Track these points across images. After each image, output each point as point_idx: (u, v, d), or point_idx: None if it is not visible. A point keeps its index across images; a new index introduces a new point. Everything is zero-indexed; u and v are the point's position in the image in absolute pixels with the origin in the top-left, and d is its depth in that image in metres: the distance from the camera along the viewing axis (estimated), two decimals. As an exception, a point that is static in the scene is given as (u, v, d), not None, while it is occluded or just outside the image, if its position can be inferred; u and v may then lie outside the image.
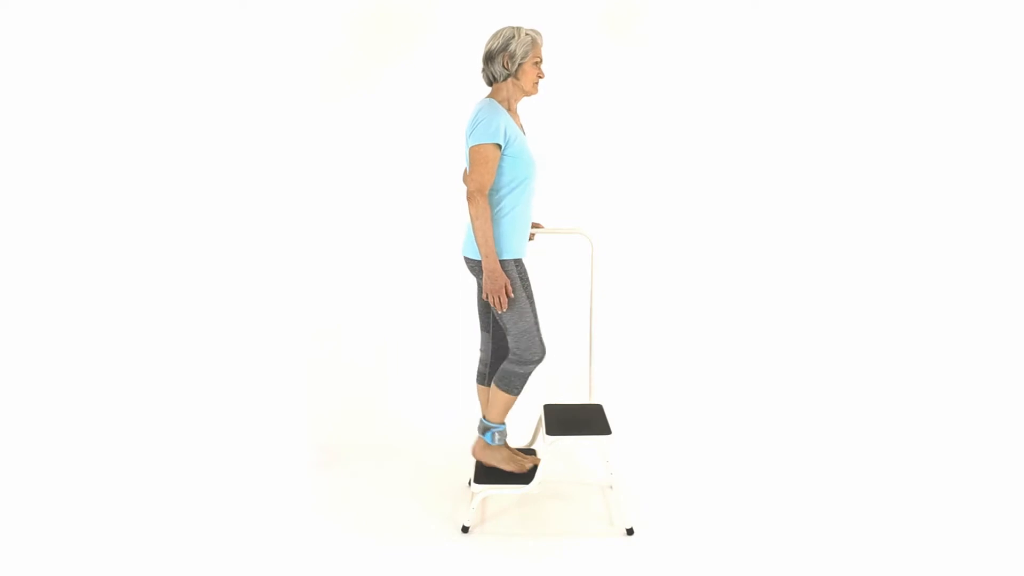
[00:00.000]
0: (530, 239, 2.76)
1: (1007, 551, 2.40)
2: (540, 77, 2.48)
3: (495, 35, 2.44)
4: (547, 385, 3.39)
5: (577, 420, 2.61)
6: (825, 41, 3.41)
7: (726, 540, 2.46)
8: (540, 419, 2.80)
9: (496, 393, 2.55)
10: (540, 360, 2.51)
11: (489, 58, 2.44)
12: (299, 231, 3.52)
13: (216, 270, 3.43)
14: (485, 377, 2.69)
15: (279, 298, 3.51)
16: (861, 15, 3.38)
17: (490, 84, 2.49)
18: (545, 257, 3.54)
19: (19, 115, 3.22)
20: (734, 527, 2.54)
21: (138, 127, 3.33)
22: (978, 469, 2.95)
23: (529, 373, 2.52)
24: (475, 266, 2.48)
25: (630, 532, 2.49)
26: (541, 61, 2.48)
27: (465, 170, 2.55)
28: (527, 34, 2.43)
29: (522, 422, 3.22)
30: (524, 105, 2.96)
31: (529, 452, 2.84)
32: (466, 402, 3.17)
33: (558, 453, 3.06)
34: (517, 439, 3.09)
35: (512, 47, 2.40)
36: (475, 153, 2.35)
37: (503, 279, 2.36)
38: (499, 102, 2.44)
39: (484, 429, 2.60)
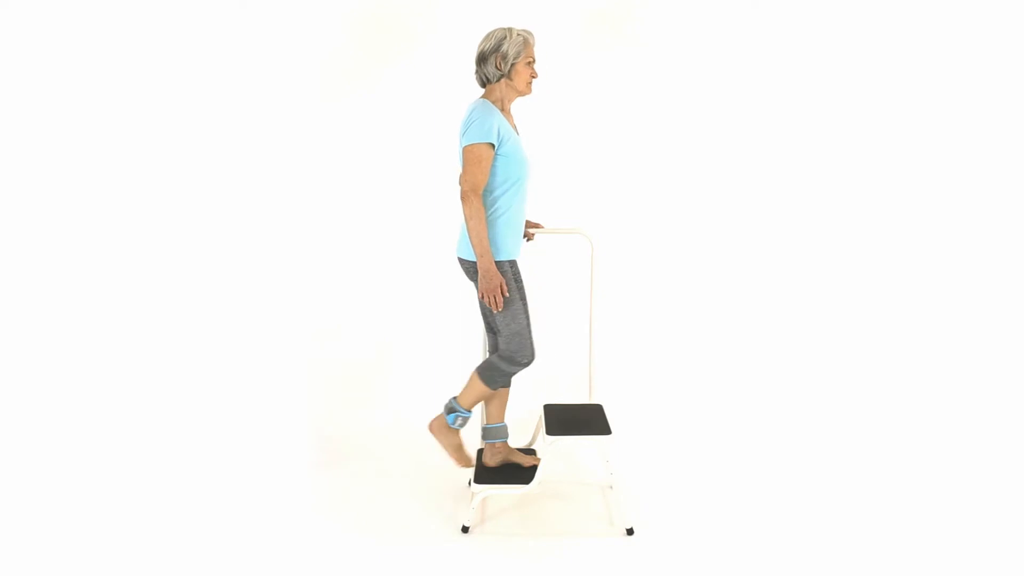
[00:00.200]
0: (530, 239, 2.77)
1: (1007, 551, 2.40)
2: (533, 77, 2.49)
3: (487, 36, 2.44)
4: (547, 385, 3.39)
5: (577, 420, 2.61)
6: (824, 40, 3.41)
7: (726, 540, 2.46)
8: (540, 419, 2.80)
9: (475, 381, 2.53)
10: (529, 363, 2.50)
11: (482, 59, 2.45)
12: (299, 231, 3.52)
13: (216, 270, 3.43)
14: None
15: (279, 298, 3.51)
16: (860, 15, 3.38)
17: (483, 85, 2.49)
18: (545, 257, 3.54)
19: (19, 115, 3.22)
20: (734, 527, 2.54)
21: (138, 127, 3.33)
22: (978, 469, 2.95)
23: (514, 373, 2.51)
24: (470, 267, 2.48)
25: (630, 532, 2.49)
26: (534, 61, 2.48)
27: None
28: (519, 34, 2.43)
29: (522, 422, 3.22)
30: (523, 105, 2.96)
31: (529, 452, 2.84)
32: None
33: (558, 453, 3.06)
34: (517, 439, 3.09)
35: (504, 48, 2.41)
36: (469, 153, 2.35)
37: (498, 279, 2.35)
38: (493, 103, 2.44)
39: (450, 410, 2.57)
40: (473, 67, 2.55)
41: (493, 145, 2.35)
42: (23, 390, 3.22)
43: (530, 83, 2.49)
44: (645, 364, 3.53)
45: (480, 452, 2.77)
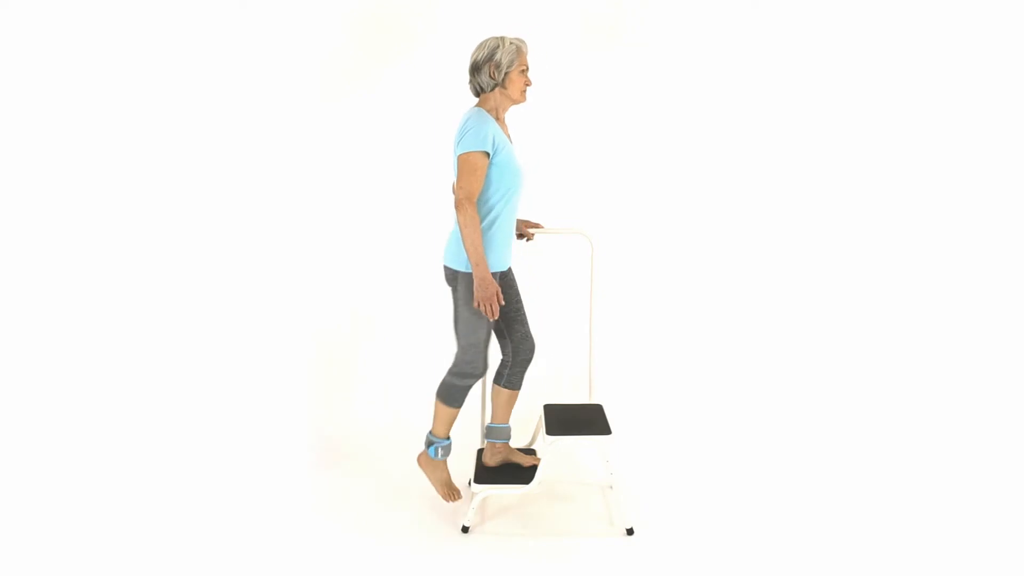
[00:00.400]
0: (530, 239, 2.77)
1: (1007, 551, 2.40)
2: (528, 85, 2.48)
3: (480, 46, 2.44)
4: (547, 385, 3.39)
5: (577, 420, 2.61)
6: (824, 40, 3.41)
7: (726, 540, 2.46)
8: (540, 419, 2.80)
9: (438, 406, 2.57)
10: (480, 376, 2.53)
11: (475, 69, 2.44)
12: (299, 231, 3.52)
13: (216, 270, 3.43)
14: (502, 377, 2.65)
15: (279, 298, 3.51)
16: (860, 15, 3.38)
17: (477, 95, 2.49)
18: (545, 257, 3.55)
19: (19, 115, 3.22)
20: (734, 527, 2.54)
21: (138, 127, 3.33)
22: (978, 469, 2.95)
23: (469, 387, 2.54)
24: (453, 276, 2.47)
25: (630, 532, 2.49)
26: (527, 69, 2.47)
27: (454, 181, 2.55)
28: (512, 43, 2.43)
29: (522, 422, 3.23)
30: (523, 106, 2.98)
31: (529, 452, 2.84)
32: (466, 402, 3.16)
33: (558, 453, 3.06)
34: (517, 439, 3.09)
35: (498, 57, 2.40)
36: (463, 161, 2.35)
37: (494, 287, 2.35)
38: (487, 111, 2.44)
39: (429, 443, 2.60)
40: (467, 76, 2.54)
41: (488, 154, 2.36)
42: (24, 390, 3.22)
43: (524, 91, 2.48)
44: (645, 364, 3.53)
45: (480, 452, 2.77)
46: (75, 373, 3.27)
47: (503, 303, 2.40)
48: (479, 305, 2.36)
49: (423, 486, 2.82)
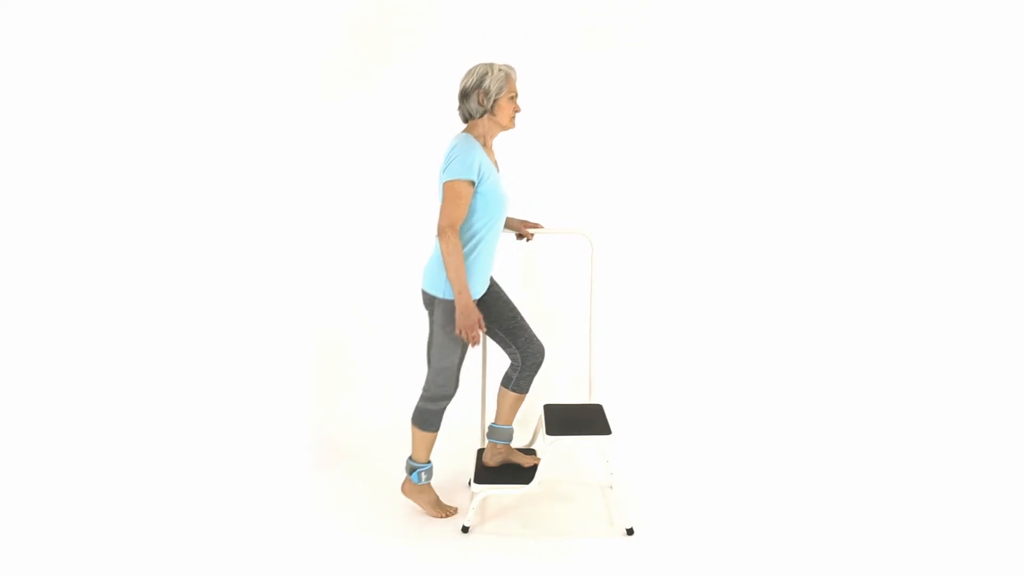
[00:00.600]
0: (529, 239, 2.77)
1: (1007, 551, 2.40)
2: (516, 111, 2.48)
3: (469, 72, 2.44)
4: (547, 385, 3.39)
5: (577, 420, 2.61)
6: (824, 40, 3.41)
7: (726, 540, 2.46)
8: (540, 419, 2.80)
9: (414, 432, 2.58)
10: (452, 396, 2.55)
11: (464, 96, 2.44)
12: (299, 231, 3.52)
13: (216, 270, 3.43)
14: (511, 381, 2.64)
15: (279, 298, 3.51)
16: (860, 15, 3.38)
17: (466, 121, 2.49)
18: (545, 257, 3.55)
19: (19, 115, 3.22)
20: (734, 527, 2.54)
21: (138, 127, 3.33)
22: (978, 469, 2.95)
23: (443, 409, 2.55)
24: (431, 300, 2.48)
25: (630, 532, 2.49)
26: (517, 95, 2.47)
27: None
28: (500, 69, 2.42)
29: (522, 422, 3.23)
30: (523, 107, 2.97)
31: (529, 452, 2.84)
32: (466, 402, 3.17)
33: (558, 453, 3.06)
34: (517, 439, 3.09)
35: (487, 84, 2.40)
36: (448, 189, 2.35)
37: (477, 315, 2.36)
38: (475, 138, 2.44)
39: (411, 469, 2.61)
40: (456, 103, 2.53)
41: (473, 182, 2.35)
42: (24, 390, 3.22)
43: (513, 118, 2.48)
44: (645, 364, 3.53)
45: (480, 452, 2.77)
46: (75, 373, 3.27)
47: (484, 329, 2.41)
48: (460, 332, 2.37)
49: (437, 481, 2.81)
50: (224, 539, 2.47)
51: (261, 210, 3.47)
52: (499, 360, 3.13)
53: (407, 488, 2.64)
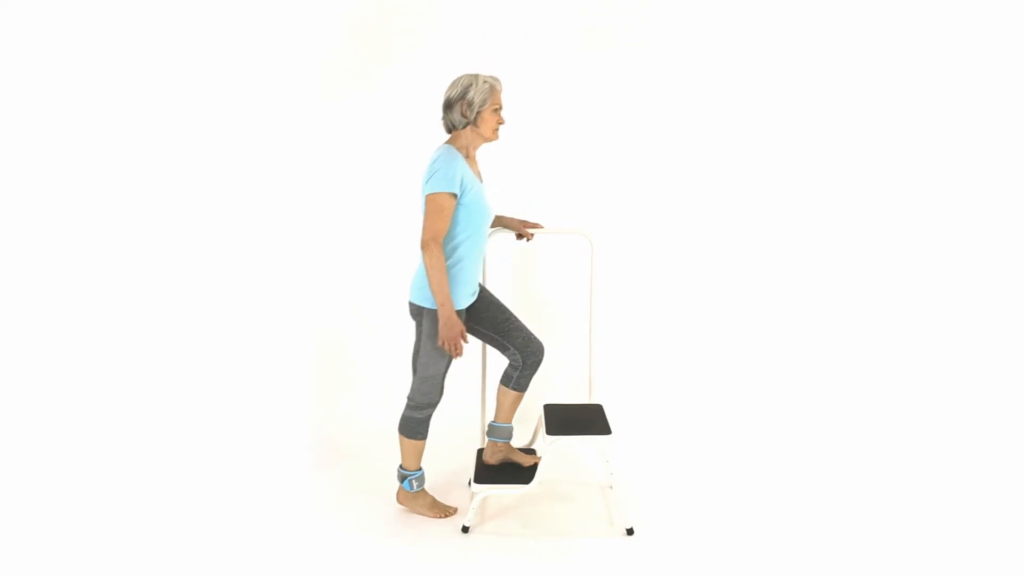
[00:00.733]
0: (529, 239, 2.77)
1: (1007, 551, 2.40)
2: (500, 124, 2.48)
3: (453, 83, 2.44)
4: (547, 385, 3.39)
5: (577, 420, 2.61)
6: (824, 40, 3.41)
7: (726, 540, 2.46)
8: (540, 419, 2.80)
9: (402, 441, 2.58)
10: (437, 404, 2.56)
11: (448, 106, 2.45)
12: (299, 231, 3.52)
13: (216, 270, 3.43)
14: (511, 379, 2.65)
15: (279, 298, 3.51)
16: (860, 15, 3.38)
17: (449, 131, 2.49)
18: (545, 257, 3.54)
19: (19, 115, 3.22)
20: (734, 527, 2.54)
21: (138, 127, 3.33)
22: (978, 469, 2.95)
23: (428, 417, 2.56)
24: (418, 311, 2.48)
25: (630, 532, 2.49)
26: (501, 108, 2.47)
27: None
28: (485, 81, 2.42)
29: (522, 422, 3.23)
30: (523, 107, 2.97)
31: (529, 452, 2.84)
32: (466, 402, 3.17)
33: (558, 453, 3.06)
34: (517, 439, 3.09)
35: (470, 95, 2.40)
36: (430, 202, 2.35)
37: (459, 327, 2.36)
38: (458, 149, 2.44)
39: (402, 478, 2.62)
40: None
41: (456, 195, 2.35)
42: (24, 390, 3.22)
43: (497, 130, 2.48)
44: (645, 364, 3.53)
45: (480, 451, 2.77)
46: (75, 373, 3.27)
47: (468, 342, 2.41)
48: (444, 344, 2.37)
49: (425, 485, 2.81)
50: (224, 539, 2.47)
51: (261, 210, 3.47)
52: (499, 359, 3.13)
53: (402, 497, 2.65)
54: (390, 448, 3.13)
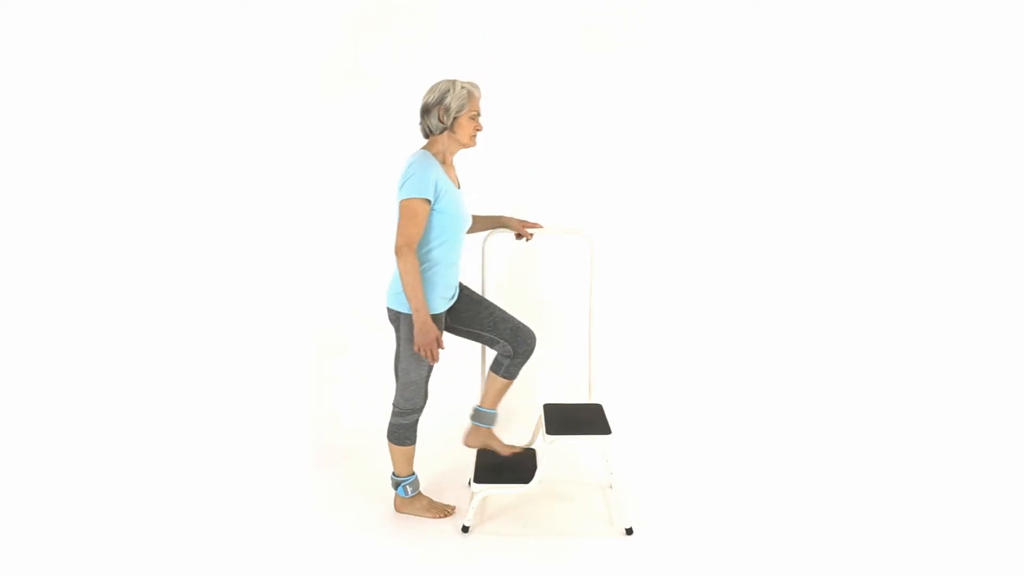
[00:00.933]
0: (528, 239, 2.76)
1: (1007, 551, 2.40)
2: (478, 130, 2.48)
3: (431, 88, 2.45)
4: (547, 385, 3.39)
5: (577, 420, 2.61)
6: (824, 40, 3.41)
7: (726, 540, 2.46)
8: (540, 419, 2.80)
9: (391, 448, 2.59)
10: (422, 408, 2.56)
11: (425, 111, 2.45)
12: (299, 231, 3.52)
13: (216, 270, 3.43)
14: (501, 367, 2.64)
15: (279, 298, 3.51)
16: (860, 14, 3.38)
17: (427, 136, 2.49)
18: (545, 257, 3.54)
19: (19, 115, 3.22)
20: (734, 527, 2.54)
21: (138, 127, 3.33)
22: (978, 469, 2.95)
23: (415, 422, 2.56)
24: (396, 317, 2.48)
25: (630, 532, 2.49)
26: (479, 115, 2.47)
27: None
28: (463, 87, 2.43)
29: (522, 422, 3.23)
30: (522, 106, 2.97)
31: (529, 452, 2.84)
32: (465, 402, 3.16)
33: (558, 453, 3.05)
34: (517, 439, 3.09)
35: (447, 100, 2.41)
36: (405, 207, 2.35)
37: (434, 332, 2.37)
38: (434, 155, 2.45)
39: (396, 484, 2.62)
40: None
41: (429, 200, 2.35)
42: (24, 391, 3.22)
43: (474, 136, 2.48)
44: (645, 364, 3.53)
45: (480, 451, 2.77)
46: (75, 373, 3.27)
47: (443, 347, 2.42)
48: (419, 350, 2.38)
49: (422, 486, 2.81)
50: (224, 539, 2.47)
51: (261, 210, 3.47)
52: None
53: (399, 504, 2.65)
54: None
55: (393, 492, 2.68)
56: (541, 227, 2.78)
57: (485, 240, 2.79)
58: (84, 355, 3.30)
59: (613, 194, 3.53)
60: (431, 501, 2.65)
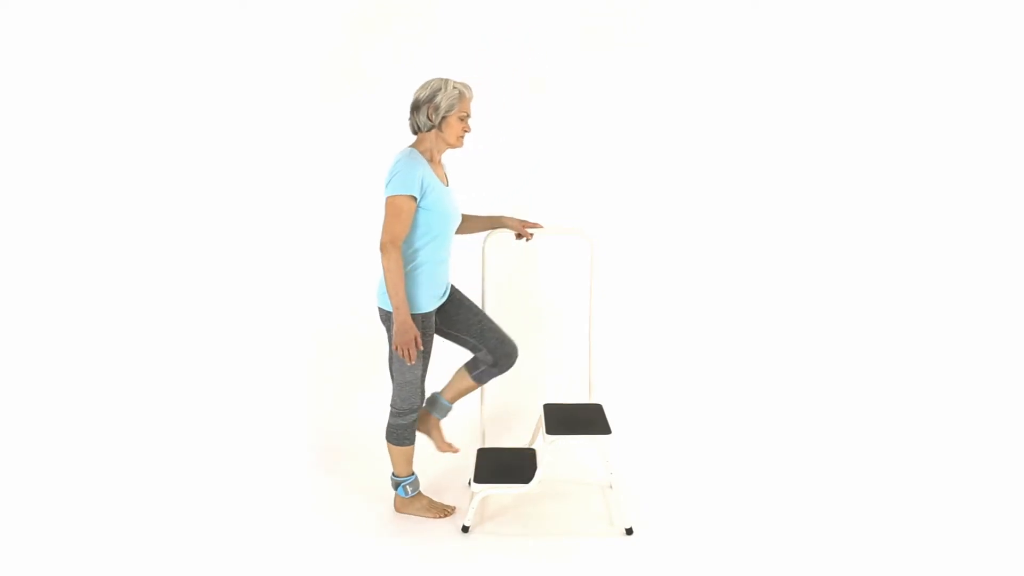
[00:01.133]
0: (528, 239, 2.76)
1: (1007, 551, 2.40)
2: (466, 131, 2.47)
3: (423, 85, 2.45)
4: (547, 385, 3.39)
5: (577, 420, 2.61)
6: (824, 40, 3.41)
7: (726, 540, 2.46)
8: (540, 419, 2.80)
9: (390, 449, 2.59)
10: (419, 408, 2.56)
11: (415, 107, 2.44)
12: (299, 231, 3.52)
13: (216, 270, 3.43)
14: (476, 369, 2.67)
15: (279, 298, 3.51)
16: (860, 14, 3.38)
17: (415, 133, 2.49)
18: (544, 257, 3.54)
19: (18, 115, 3.23)
20: (734, 527, 2.54)
21: (138, 127, 3.34)
22: (978, 469, 2.95)
23: (413, 422, 2.56)
24: (385, 316, 2.48)
25: (629, 532, 2.49)
26: (468, 116, 2.46)
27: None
28: (455, 87, 2.42)
29: (522, 422, 3.23)
30: (521, 106, 2.97)
31: (528, 452, 2.84)
32: (465, 402, 3.16)
33: (558, 453, 3.05)
34: (517, 439, 3.10)
35: (438, 99, 2.40)
36: (390, 204, 2.35)
37: (413, 332, 2.36)
38: (421, 152, 2.44)
39: (396, 484, 2.62)
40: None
41: (415, 197, 2.35)
42: (24, 391, 3.22)
43: (461, 137, 2.47)
44: (645, 364, 3.53)
45: (480, 451, 2.78)
46: (75, 373, 3.27)
47: (422, 348, 2.41)
48: (398, 349, 2.37)
49: (422, 486, 2.81)
50: (224, 539, 2.47)
51: (261, 210, 3.47)
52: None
53: (399, 504, 2.65)
54: (390, 448, 3.14)
55: (393, 492, 2.68)
56: (541, 227, 2.78)
57: (485, 240, 2.79)
58: (83, 355, 3.30)
59: (613, 194, 3.53)
60: (431, 501, 2.65)
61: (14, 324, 3.25)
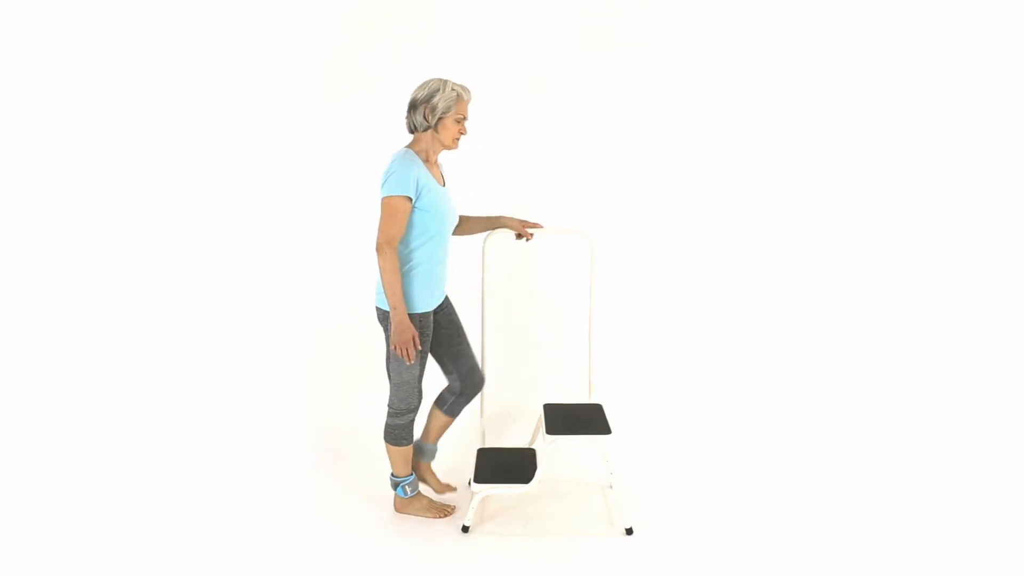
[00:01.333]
0: (528, 239, 2.76)
1: (1007, 551, 2.40)
2: (462, 133, 2.47)
3: (422, 85, 2.44)
4: (547, 385, 3.39)
5: (577, 420, 2.61)
6: (824, 40, 3.41)
7: (726, 540, 2.46)
8: (540, 419, 2.80)
9: (389, 449, 2.58)
10: (417, 408, 2.55)
11: (412, 107, 2.44)
12: (299, 231, 3.52)
13: (216, 270, 3.43)
14: (445, 403, 2.69)
15: (279, 298, 3.51)
16: (860, 14, 3.38)
17: (411, 132, 2.48)
18: (544, 257, 3.54)
19: (18, 115, 3.23)
20: (734, 527, 2.54)
21: (138, 127, 3.34)
22: (978, 469, 2.95)
23: (411, 422, 2.55)
24: (383, 316, 2.48)
25: (629, 532, 2.49)
26: (465, 118, 2.46)
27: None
28: (453, 89, 2.41)
29: (522, 422, 3.23)
30: (521, 106, 2.96)
31: (528, 452, 2.84)
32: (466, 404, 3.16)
33: (558, 453, 3.05)
34: (517, 439, 3.10)
35: (435, 100, 2.39)
36: (385, 205, 2.35)
37: (411, 331, 2.36)
38: (417, 152, 2.44)
39: (395, 485, 2.62)
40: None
41: (410, 198, 2.35)
42: (24, 390, 3.22)
43: (457, 139, 2.47)
44: (645, 364, 3.53)
45: (480, 451, 2.78)
46: (75, 373, 3.27)
47: (419, 347, 2.41)
48: (395, 348, 2.37)
49: (422, 486, 2.81)
50: (224, 539, 2.47)
51: (262, 210, 3.47)
52: (497, 350, 3.13)
53: (398, 504, 2.65)
54: (390, 448, 3.14)
55: (393, 492, 2.68)
56: (541, 227, 2.78)
57: (485, 240, 2.79)
58: (83, 355, 3.30)
59: (613, 194, 3.53)
60: (431, 501, 2.65)
61: (15, 324, 3.25)
